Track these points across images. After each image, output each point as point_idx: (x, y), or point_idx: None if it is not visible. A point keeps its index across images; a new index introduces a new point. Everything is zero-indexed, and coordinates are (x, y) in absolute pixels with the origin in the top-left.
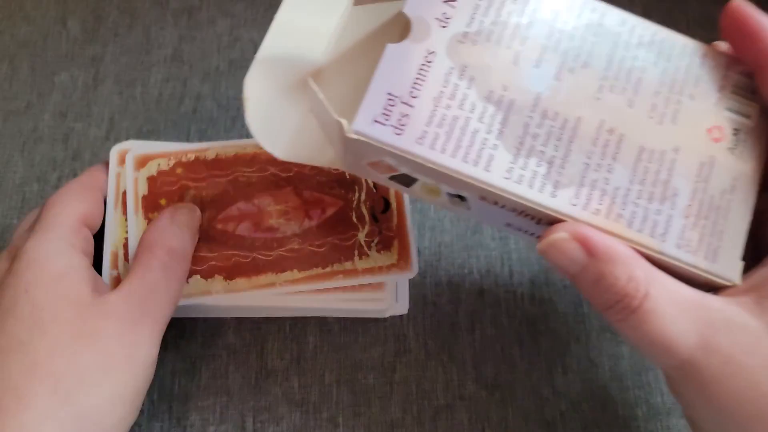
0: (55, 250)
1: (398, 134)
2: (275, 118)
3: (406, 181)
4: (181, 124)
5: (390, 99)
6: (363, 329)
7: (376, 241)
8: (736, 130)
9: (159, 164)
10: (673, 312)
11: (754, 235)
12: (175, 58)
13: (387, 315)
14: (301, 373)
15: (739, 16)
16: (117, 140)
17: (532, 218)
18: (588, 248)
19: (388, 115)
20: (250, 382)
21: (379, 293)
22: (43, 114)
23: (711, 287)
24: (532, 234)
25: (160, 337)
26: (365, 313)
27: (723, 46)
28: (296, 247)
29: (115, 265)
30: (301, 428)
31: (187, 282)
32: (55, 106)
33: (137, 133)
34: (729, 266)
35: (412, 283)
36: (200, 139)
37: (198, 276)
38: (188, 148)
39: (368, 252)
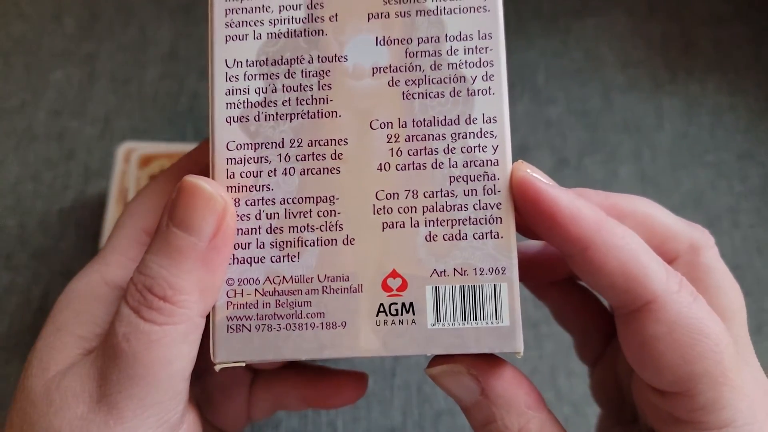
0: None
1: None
2: None
3: None
4: (177, 123)
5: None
6: None
7: None
8: (409, 309)
9: (162, 164)
10: None
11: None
12: (172, 56)
13: None
14: None
15: (531, 195)
16: (112, 139)
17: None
18: (482, 387)
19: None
20: None
21: None
22: (37, 112)
23: None
24: None
25: None
26: None
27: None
28: None
29: None
30: None
31: None
32: (49, 104)
33: (133, 131)
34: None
35: None
36: (196, 138)
37: None
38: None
39: None
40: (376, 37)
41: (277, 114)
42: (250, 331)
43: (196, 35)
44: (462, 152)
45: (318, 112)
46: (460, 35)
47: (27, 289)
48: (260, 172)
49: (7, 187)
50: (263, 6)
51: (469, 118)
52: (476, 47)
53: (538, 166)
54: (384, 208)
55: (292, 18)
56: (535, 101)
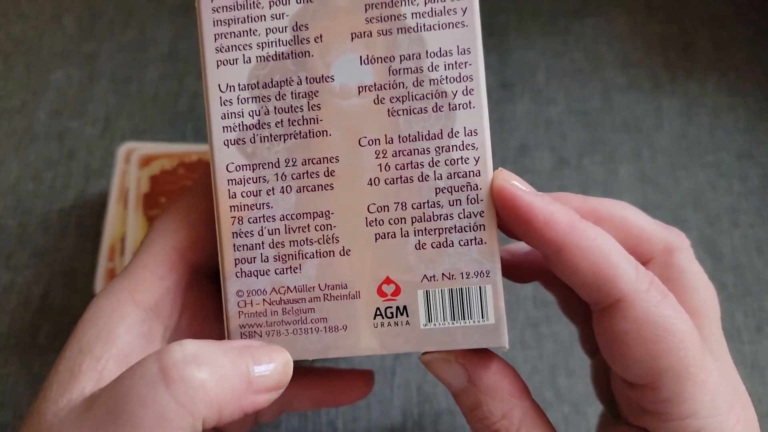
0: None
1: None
2: None
3: None
4: (177, 123)
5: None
6: None
7: None
8: (403, 312)
9: (162, 164)
10: None
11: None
12: (171, 56)
13: None
14: None
15: (508, 202)
16: (113, 139)
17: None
18: (469, 375)
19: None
20: None
21: None
22: (38, 112)
23: None
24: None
25: None
26: None
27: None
28: None
29: (111, 258)
30: None
31: None
32: (50, 104)
33: (133, 131)
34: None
35: None
36: (196, 138)
37: None
38: (191, 150)
39: None
40: (360, 57)
41: (271, 135)
42: (261, 336)
43: (195, 35)
44: (446, 165)
45: (309, 132)
46: (440, 51)
47: (27, 289)
48: (259, 191)
49: (7, 187)
50: (251, 30)
51: (452, 131)
52: (456, 62)
53: (539, 165)
54: (376, 220)
55: (279, 41)
56: (535, 101)
